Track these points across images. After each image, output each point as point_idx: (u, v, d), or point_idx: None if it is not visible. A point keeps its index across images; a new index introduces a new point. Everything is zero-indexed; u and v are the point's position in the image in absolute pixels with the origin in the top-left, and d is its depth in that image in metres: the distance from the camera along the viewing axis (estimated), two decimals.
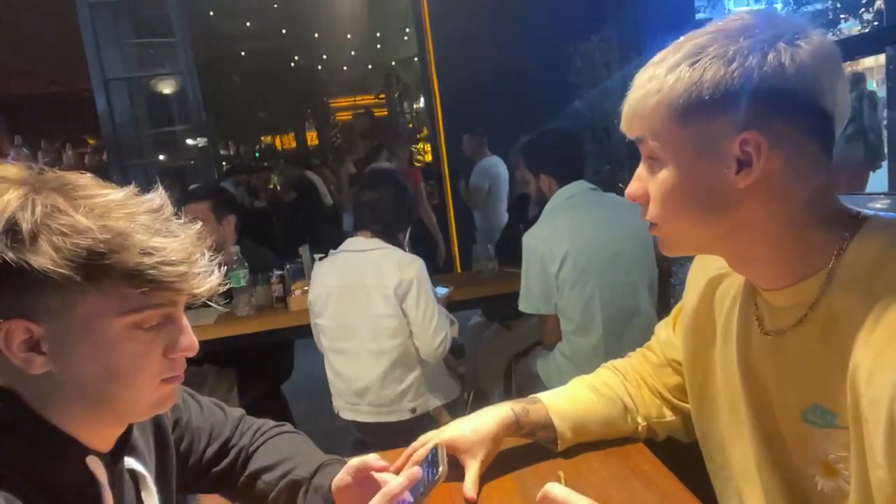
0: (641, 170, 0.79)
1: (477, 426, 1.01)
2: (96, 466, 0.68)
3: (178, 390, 0.94)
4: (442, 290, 2.59)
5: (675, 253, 0.82)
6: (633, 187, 0.80)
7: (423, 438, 1.03)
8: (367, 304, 2.08)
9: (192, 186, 3.87)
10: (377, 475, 0.90)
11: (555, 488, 0.80)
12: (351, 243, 2.18)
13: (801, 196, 0.71)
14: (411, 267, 2.09)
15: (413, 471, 0.86)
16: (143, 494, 0.76)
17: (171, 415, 0.90)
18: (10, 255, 0.59)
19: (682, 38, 0.74)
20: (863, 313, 0.68)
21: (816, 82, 0.68)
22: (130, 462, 0.76)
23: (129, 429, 0.74)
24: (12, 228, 0.59)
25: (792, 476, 0.80)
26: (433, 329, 2.09)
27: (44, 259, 0.59)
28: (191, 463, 0.95)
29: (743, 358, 0.84)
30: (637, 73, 0.76)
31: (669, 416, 1.08)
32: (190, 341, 0.70)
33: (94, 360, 0.64)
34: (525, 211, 3.40)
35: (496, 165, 4.81)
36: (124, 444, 0.74)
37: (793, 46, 0.68)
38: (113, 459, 0.72)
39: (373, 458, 0.90)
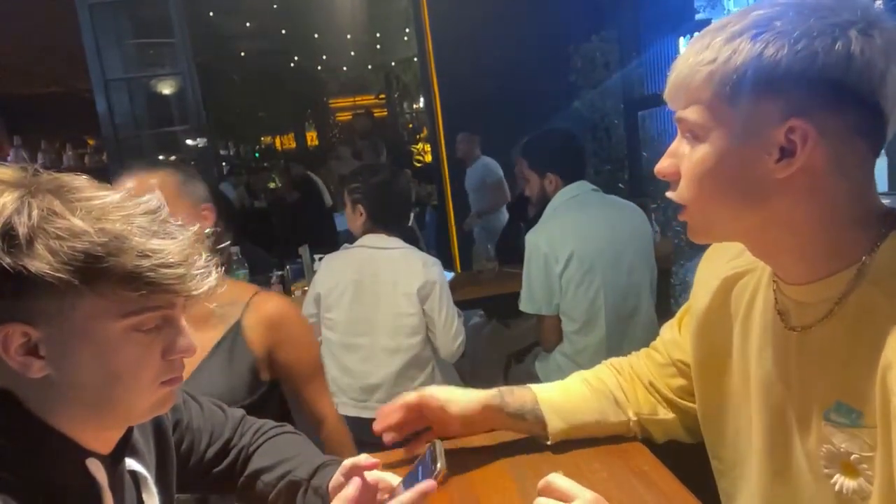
0: (677, 145, 0.76)
1: (460, 389, 1.05)
2: (96, 468, 0.68)
3: (178, 391, 0.94)
4: (447, 275, 2.59)
5: (703, 239, 0.80)
6: (665, 163, 0.76)
7: (402, 397, 1.04)
8: (388, 301, 2.09)
9: None
10: (369, 475, 0.90)
11: (558, 479, 0.79)
12: (369, 239, 2.18)
13: (841, 195, 0.69)
14: (435, 269, 2.12)
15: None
16: (143, 495, 0.76)
17: (171, 416, 0.90)
18: (6, 260, 0.58)
19: (747, 7, 0.70)
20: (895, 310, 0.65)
21: (881, 80, 0.64)
22: (131, 463, 0.76)
23: (130, 430, 0.74)
24: (8, 233, 0.59)
25: (806, 476, 0.78)
26: (454, 330, 2.13)
27: (41, 263, 0.59)
28: (191, 464, 0.95)
29: (762, 355, 0.82)
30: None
31: (664, 413, 1.07)
32: (188, 343, 0.70)
33: (93, 363, 0.64)
34: (525, 210, 3.39)
35: (497, 165, 4.77)
36: (124, 446, 0.74)
37: (865, 36, 0.63)
38: (113, 461, 0.72)
39: (363, 458, 0.90)
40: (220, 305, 1.38)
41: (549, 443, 1.05)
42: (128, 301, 0.63)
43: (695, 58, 0.70)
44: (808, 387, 0.76)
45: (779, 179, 0.68)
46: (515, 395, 1.04)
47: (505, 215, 4.59)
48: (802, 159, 0.66)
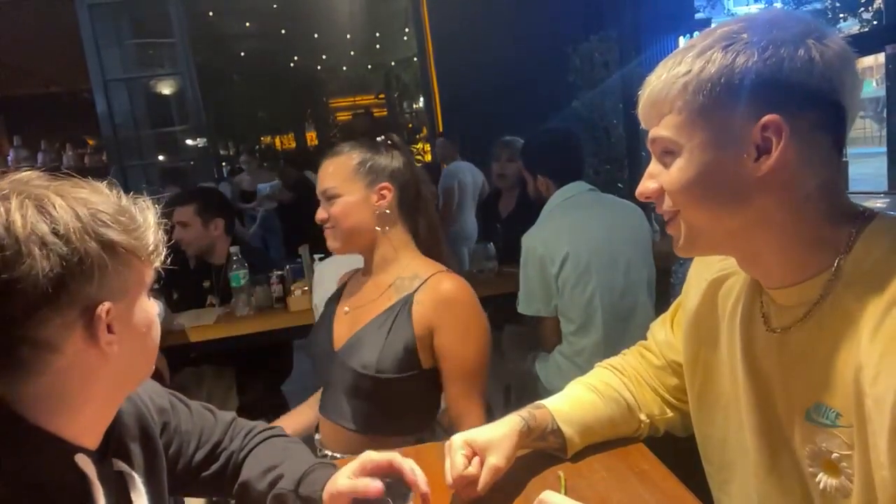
0: (654, 167, 0.79)
1: (495, 428, 1.00)
2: (85, 464, 0.68)
3: (165, 393, 0.94)
4: None
5: (689, 253, 0.82)
6: (645, 184, 0.80)
7: (451, 442, 0.98)
8: None
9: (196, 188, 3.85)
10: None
11: (550, 496, 0.79)
12: None
13: (812, 189, 0.72)
14: None
15: None
16: (132, 496, 0.75)
17: (158, 419, 0.89)
18: (118, 238, 0.66)
19: (707, 29, 0.75)
20: (868, 312, 0.68)
21: (840, 82, 0.70)
22: (118, 464, 0.75)
23: (112, 428, 0.75)
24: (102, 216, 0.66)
25: (794, 475, 0.79)
26: None
27: (121, 236, 0.66)
28: (180, 467, 0.94)
29: (748, 356, 0.84)
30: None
31: (669, 413, 1.08)
32: (157, 304, 0.77)
33: (139, 333, 0.71)
34: (496, 211, 3.33)
35: (464, 171, 4.60)
36: (108, 443, 0.74)
37: (821, 44, 0.69)
38: (101, 458, 0.72)
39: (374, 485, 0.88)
40: (402, 278, 1.39)
41: (566, 457, 1.04)
42: (143, 270, 0.70)
43: (668, 73, 0.74)
44: (790, 388, 0.78)
45: (758, 178, 0.71)
46: (538, 420, 1.02)
47: (474, 222, 4.52)
48: (778, 153, 0.70)
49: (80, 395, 0.67)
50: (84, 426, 0.69)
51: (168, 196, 3.27)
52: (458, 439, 0.96)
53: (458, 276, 1.39)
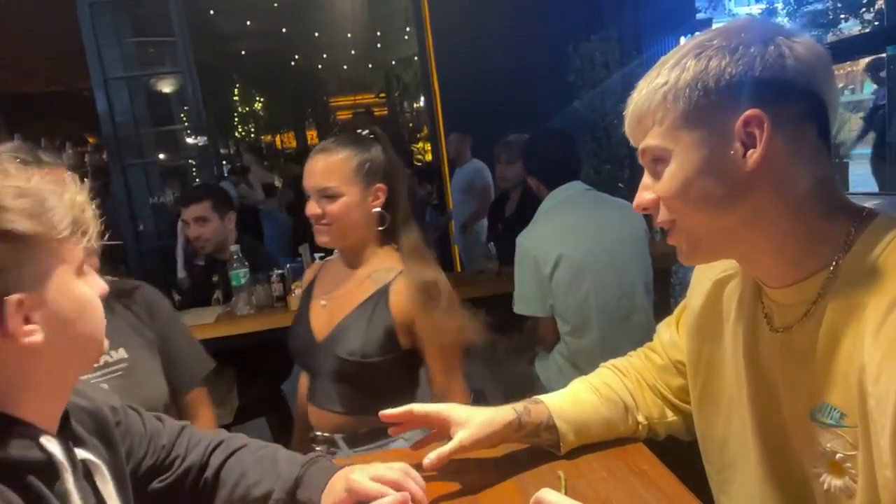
0: (647, 179, 0.81)
1: (478, 411, 1.02)
2: (52, 445, 0.68)
3: (116, 397, 0.93)
4: None
5: (693, 261, 0.83)
6: (641, 197, 0.81)
7: (422, 406, 1.03)
8: None
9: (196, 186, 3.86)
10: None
11: (547, 494, 0.79)
12: None
13: (806, 184, 0.73)
14: None
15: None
16: (98, 482, 0.74)
17: (112, 417, 0.87)
18: (18, 225, 0.61)
19: (681, 43, 0.78)
20: (870, 311, 0.68)
21: (814, 74, 0.72)
22: (82, 453, 0.74)
23: (70, 420, 0.74)
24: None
25: (796, 476, 0.79)
26: None
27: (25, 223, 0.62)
28: (129, 469, 0.91)
29: (751, 356, 0.84)
30: (637, 75, 0.77)
31: (671, 416, 1.08)
32: (102, 283, 0.74)
33: (66, 318, 0.67)
34: (502, 212, 3.35)
35: (486, 170, 4.61)
36: (67, 433, 0.73)
37: (790, 41, 0.72)
38: (64, 443, 0.71)
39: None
40: (378, 271, 1.47)
41: (560, 453, 1.04)
42: (75, 251, 0.68)
43: (648, 87, 0.77)
44: (794, 387, 0.78)
45: (748, 174, 0.72)
46: (532, 416, 1.03)
47: (485, 221, 4.53)
48: (763, 146, 0.71)
49: (23, 382, 0.66)
50: (37, 410, 0.68)
51: (178, 195, 3.24)
52: (435, 406, 1.02)
53: (430, 263, 1.48)
